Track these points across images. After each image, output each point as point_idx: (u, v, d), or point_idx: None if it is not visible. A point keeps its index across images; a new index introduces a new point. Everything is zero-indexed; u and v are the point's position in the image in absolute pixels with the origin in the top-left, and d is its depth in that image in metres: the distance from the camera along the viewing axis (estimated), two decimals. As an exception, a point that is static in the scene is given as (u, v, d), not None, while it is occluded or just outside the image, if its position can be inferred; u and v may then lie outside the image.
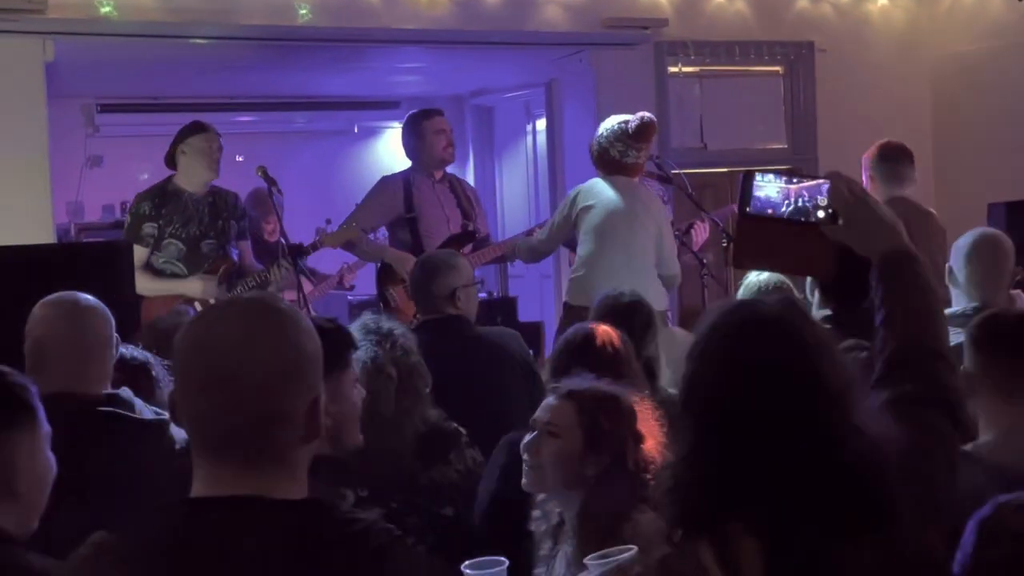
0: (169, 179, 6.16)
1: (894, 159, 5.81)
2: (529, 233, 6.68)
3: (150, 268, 6.03)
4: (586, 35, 7.95)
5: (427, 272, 4.73)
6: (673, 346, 5.56)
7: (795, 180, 2.24)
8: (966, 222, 6.54)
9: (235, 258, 6.23)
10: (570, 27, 7.88)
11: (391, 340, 3.31)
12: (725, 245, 6.61)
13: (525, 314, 7.46)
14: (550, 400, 3.06)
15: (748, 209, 2.22)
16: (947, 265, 4.30)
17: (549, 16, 7.84)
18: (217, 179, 6.18)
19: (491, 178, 10.13)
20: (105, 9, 6.61)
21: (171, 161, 6.18)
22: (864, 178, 5.93)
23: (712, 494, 1.87)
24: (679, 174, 6.76)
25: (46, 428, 2.47)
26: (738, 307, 2.04)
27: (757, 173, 2.26)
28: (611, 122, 6.10)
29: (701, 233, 6.53)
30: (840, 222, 2.18)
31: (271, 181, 6.05)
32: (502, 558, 2.64)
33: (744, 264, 2.40)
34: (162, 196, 6.09)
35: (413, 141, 6.73)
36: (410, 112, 7.07)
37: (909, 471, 1.89)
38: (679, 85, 8.31)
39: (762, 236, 2.24)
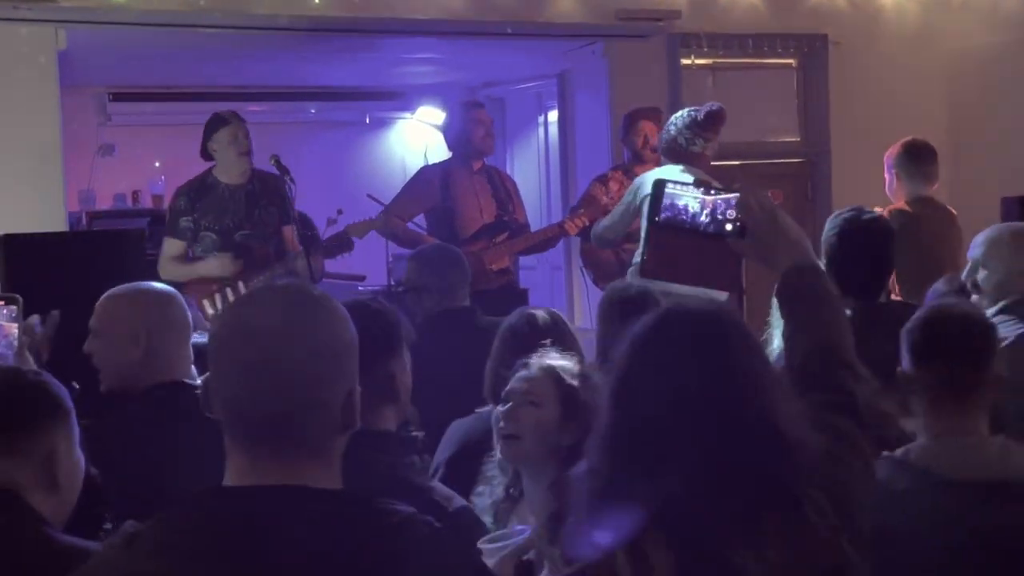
0: (209, 171, 6.21)
1: (920, 158, 5.79)
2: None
3: (191, 261, 6.12)
4: (599, 27, 7.93)
5: (446, 263, 4.76)
6: None
7: (711, 192, 2.22)
8: (980, 216, 6.53)
9: (271, 248, 6.22)
10: (583, 18, 7.86)
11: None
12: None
13: (536, 305, 7.44)
14: (525, 373, 3.14)
15: (658, 218, 2.21)
16: (973, 260, 4.25)
17: (562, 7, 7.82)
18: (241, 177, 6.17)
19: (503, 169, 10.13)
20: (118, -3, 6.61)
21: (206, 154, 6.21)
22: (888, 176, 5.91)
23: (628, 498, 1.83)
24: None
25: (77, 429, 2.54)
26: (665, 310, 2.00)
27: (669, 183, 2.24)
28: (682, 111, 6.14)
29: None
30: (745, 237, 2.18)
31: (284, 170, 6.07)
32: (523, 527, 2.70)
33: (650, 274, 2.40)
34: (199, 190, 6.15)
35: (454, 130, 6.92)
36: (452, 102, 7.20)
37: (823, 476, 1.87)
38: (692, 77, 8.28)
39: (670, 246, 2.24)
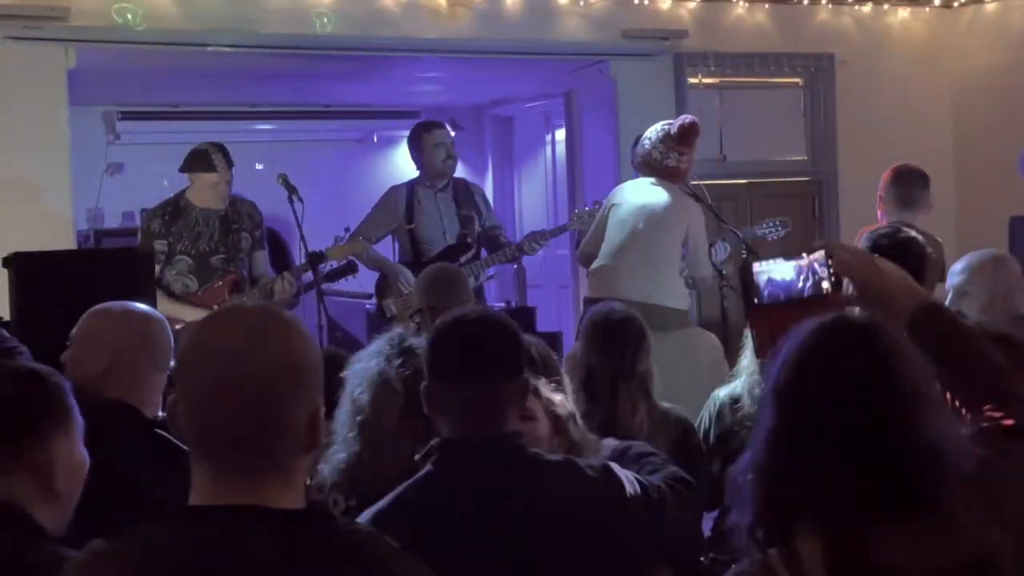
0: (182, 193, 6.23)
1: (906, 182, 5.74)
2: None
3: (160, 283, 6.03)
4: (606, 46, 7.96)
5: (450, 282, 4.77)
6: (698, 346, 5.54)
7: (794, 259, 2.24)
8: (988, 235, 6.54)
9: (244, 271, 6.23)
10: (590, 38, 7.89)
11: (406, 357, 3.29)
12: (745, 257, 6.61)
13: (544, 324, 7.47)
14: None
15: (756, 301, 2.24)
16: (955, 288, 4.27)
17: (569, 27, 7.85)
18: (219, 203, 6.18)
19: (510, 188, 10.15)
20: (127, 17, 6.65)
21: (187, 170, 6.22)
22: (878, 199, 5.90)
23: (784, 496, 1.90)
24: (699, 185, 6.75)
25: (80, 422, 2.50)
26: (833, 320, 2.03)
27: (756, 262, 2.26)
28: (656, 126, 6.13)
29: (720, 251, 6.53)
30: (849, 289, 2.18)
31: (291, 189, 6.09)
32: None
33: (766, 355, 2.42)
34: (173, 212, 6.16)
35: (414, 153, 6.93)
36: (415, 123, 7.20)
37: (979, 481, 1.91)
38: (699, 96, 8.30)
39: (776, 323, 2.23)
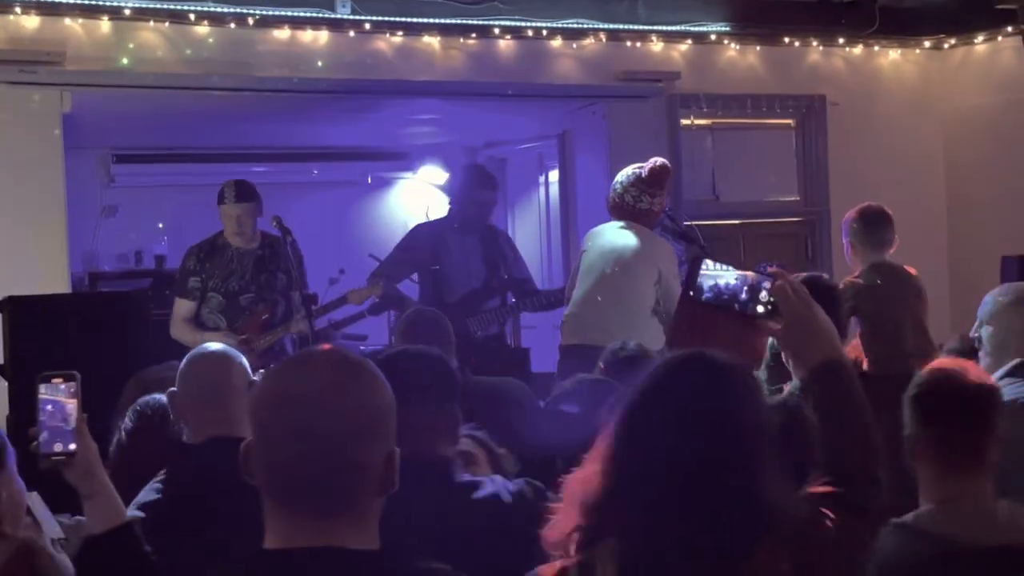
0: (220, 232, 6.29)
1: (875, 224, 5.77)
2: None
3: (196, 320, 6.19)
4: (599, 87, 8.01)
5: (436, 327, 4.78)
6: None
7: (750, 273, 2.27)
8: (980, 275, 6.57)
9: (279, 310, 6.26)
10: (584, 79, 7.94)
11: None
12: (701, 247, 6.60)
13: (538, 364, 7.45)
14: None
15: (691, 293, 2.26)
16: (980, 317, 4.28)
17: (562, 69, 7.90)
18: (248, 243, 6.23)
19: (504, 229, 10.16)
20: (122, 61, 6.69)
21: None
22: (844, 243, 5.93)
23: (599, 511, 1.96)
24: (692, 226, 6.77)
25: (12, 456, 2.50)
26: (678, 357, 2.09)
27: (706, 261, 2.29)
28: (627, 169, 6.15)
29: None
30: (778, 320, 2.21)
31: (286, 231, 6.10)
32: None
33: (677, 344, 2.47)
34: (210, 251, 6.24)
35: (457, 193, 6.89)
36: (471, 164, 7.19)
37: (798, 542, 1.96)
38: (691, 137, 8.35)
39: (698, 321, 2.29)
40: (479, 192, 6.91)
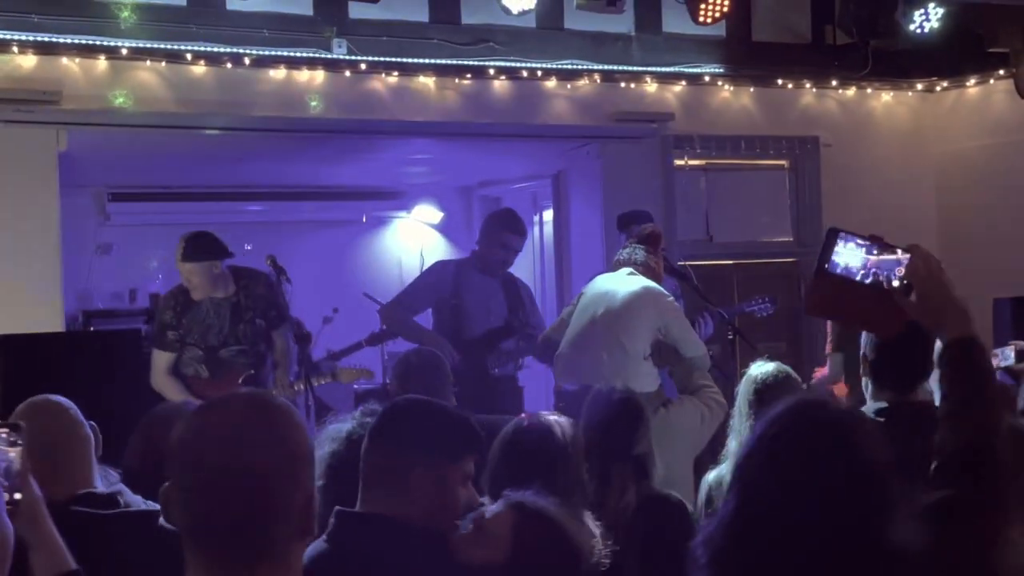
0: None
1: None
2: None
3: (176, 370, 6.09)
4: (594, 128, 8.05)
5: (435, 370, 4.80)
6: (666, 431, 5.51)
7: (875, 251, 2.30)
8: (974, 316, 6.56)
9: (266, 358, 6.19)
10: (578, 120, 7.98)
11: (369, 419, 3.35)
12: (731, 338, 6.62)
13: (531, 403, 7.45)
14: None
15: (826, 267, 2.30)
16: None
17: (557, 109, 7.94)
18: (209, 294, 6.11)
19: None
20: (119, 100, 6.71)
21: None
22: None
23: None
24: (685, 266, 6.79)
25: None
26: (801, 405, 2.07)
27: (841, 233, 2.32)
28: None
29: (705, 328, 6.54)
30: (913, 296, 2.24)
31: (280, 270, 6.09)
32: None
33: (815, 313, 2.50)
34: (185, 304, 6.12)
35: (482, 236, 6.89)
36: (505, 208, 7.19)
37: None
38: (685, 178, 8.38)
39: (835, 291, 2.32)
40: (509, 236, 6.90)
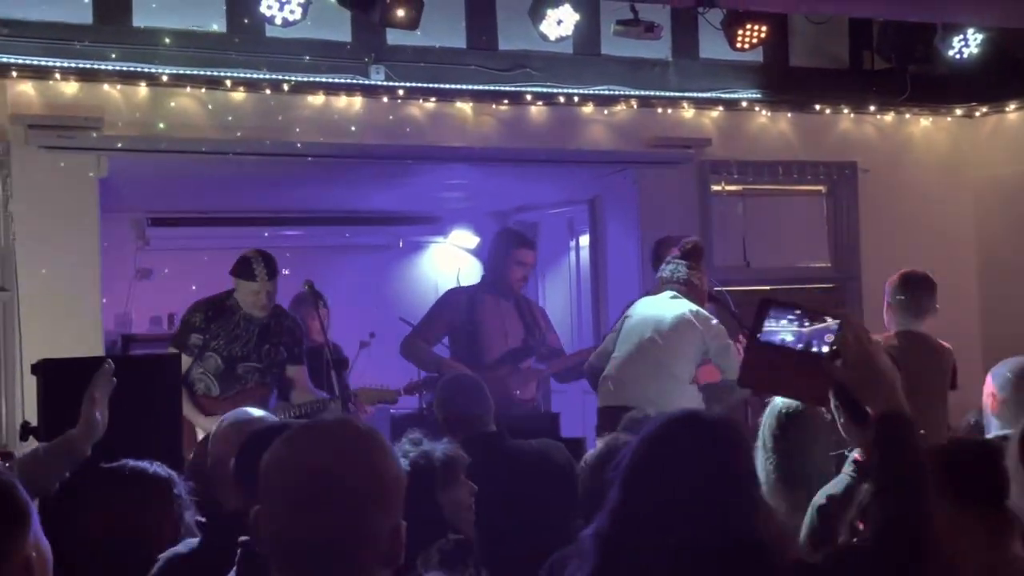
0: (230, 292, 6.19)
1: (913, 290, 5.75)
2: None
3: (185, 380, 6.01)
4: (630, 153, 8.05)
5: (477, 392, 4.80)
6: None
7: (806, 321, 2.32)
8: (1013, 343, 6.51)
9: (272, 383, 6.20)
10: (614, 146, 7.98)
11: (427, 460, 3.35)
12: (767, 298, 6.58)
13: (568, 429, 7.43)
14: None
15: (758, 337, 2.37)
16: (991, 394, 4.26)
17: (593, 135, 7.95)
18: (262, 312, 6.12)
19: (534, 293, 10.16)
20: (159, 126, 6.77)
21: (233, 275, 6.20)
22: (885, 305, 5.91)
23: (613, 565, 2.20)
24: (722, 291, 6.77)
25: (35, 514, 2.48)
26: (676, 415, 2.38)
27: (773, 304, 2.36)
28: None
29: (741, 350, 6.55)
30: (839, 363, 2.25)
31: (317, 295, 6.13)
32: None
33: (748, 385, 2.59)
34: (217, 310, 6.12)
35: (493, 258, 6.91)
36: (507, 228, 7.23)
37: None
38: (722, 203, 8.36)
39: (767, 362, 2.38)
40: (524, 252, 6.94)
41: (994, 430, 4.19)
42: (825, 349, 2.27)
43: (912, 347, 5.55)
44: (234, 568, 3.02)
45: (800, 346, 2.30)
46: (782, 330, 2.32)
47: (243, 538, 2.95)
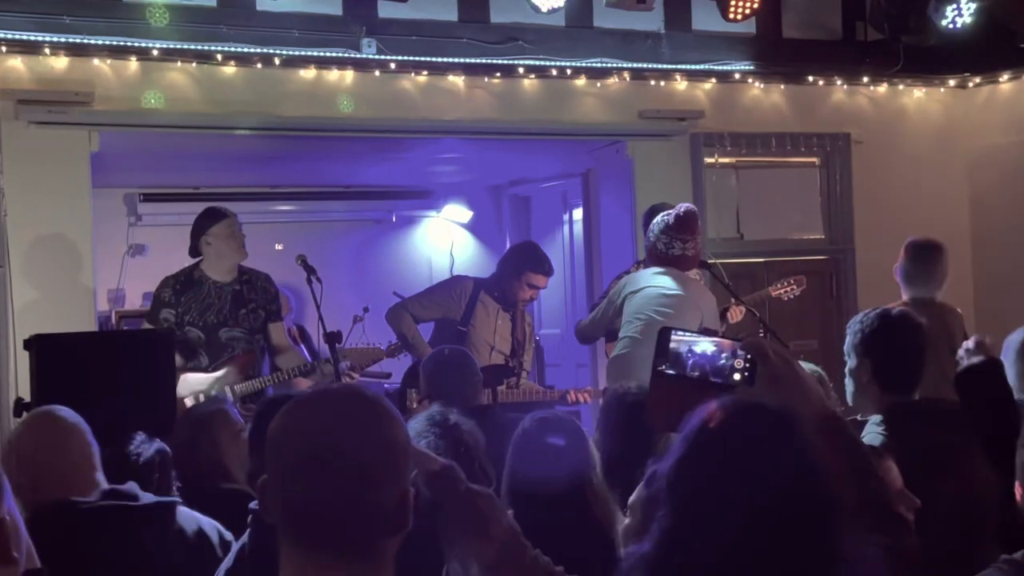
0: (196, 265, 6.20)
1: (921, 259, 5.76)
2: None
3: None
4: (623, 126, 8.03)
5: (462, 366, 4.79)
6: None
7: (710, 345, 2.15)
8: (1006, 312, 6.53)
9: (257, 348, 6.19)
10: (608, 119, 7.96)
11: (455, 434, 3.33)
12: (762, 335, 6.60)
13: (562, 403, 7.44)
14: None
15: (661, 369, 2.15)
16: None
17: (586, 108, 7.93)
18: (227, 275, 6.16)
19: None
20: (150, 101, 6.74)
21: (196, 251, 6.23)
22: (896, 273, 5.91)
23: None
24: (715, 263, 6.78)
25: (7, 485, 2.48)
26: (731, 404, 1.96)
27: (675, 332, 2.17)
28: (658, 217, 6.17)
29: (736, 315, 6.56)
30: (755, 384, 2.09)
31: (310, 269, 6.10)
32: None
33: (654, 424, 2.31)
34: (186, 283, 6.14)
35: (508, 271, 6.83)
36: (533, 245, 7.16)
37: None
38: (715, 175, 8.36)
39: (669, 393, 2.15)
40: (538, 277, 6.83)
41: None
42: (736, 376, 2.09)
43: (928, 316, 5.57)
44: (247, 532, 3.03)
45: (696, 372, 2.11)
46: (682, 352, 2.12)
47: (252, 504, 2.97)
